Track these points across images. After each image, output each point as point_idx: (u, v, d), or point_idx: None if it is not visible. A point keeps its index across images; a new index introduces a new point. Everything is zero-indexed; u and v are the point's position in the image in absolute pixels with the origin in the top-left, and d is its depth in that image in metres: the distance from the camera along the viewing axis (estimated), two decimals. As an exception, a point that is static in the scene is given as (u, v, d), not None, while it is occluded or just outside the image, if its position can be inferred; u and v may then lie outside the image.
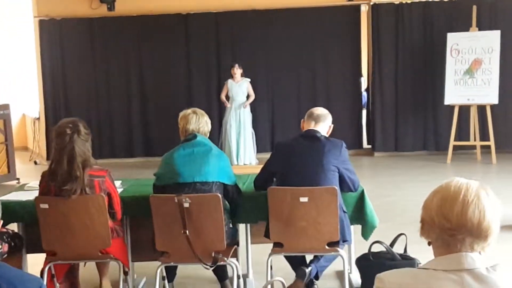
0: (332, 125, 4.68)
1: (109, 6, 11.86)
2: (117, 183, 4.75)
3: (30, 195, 4.52)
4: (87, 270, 4.85)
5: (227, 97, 10.41)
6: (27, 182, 5.37)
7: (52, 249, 4.26)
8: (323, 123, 4.56)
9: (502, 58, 10.44)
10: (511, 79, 10.27)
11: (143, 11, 11.80)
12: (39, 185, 4.28)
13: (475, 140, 10.78)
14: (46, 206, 4.13)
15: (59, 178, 4.08)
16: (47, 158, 11.81)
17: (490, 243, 1.93)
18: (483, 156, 10.72)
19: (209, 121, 4.56)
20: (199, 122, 4.47)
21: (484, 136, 10.79)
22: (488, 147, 10.53)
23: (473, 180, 1.98)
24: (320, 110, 4.65)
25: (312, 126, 4.54)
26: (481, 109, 10.72)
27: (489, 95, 10.44)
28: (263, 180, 4.56)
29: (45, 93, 12.16)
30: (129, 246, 4.72)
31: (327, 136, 4.55)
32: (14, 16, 13.88)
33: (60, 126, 4.20)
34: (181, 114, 4.56)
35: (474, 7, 10.66)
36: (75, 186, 4.06)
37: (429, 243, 2.01)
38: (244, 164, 10.15)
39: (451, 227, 1.90)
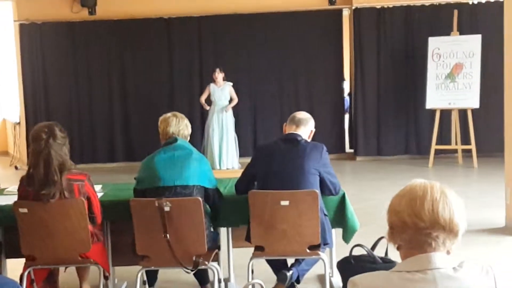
0: (314, 130, 4.67)
1: (90, 10, 11.81)
2: (98, 188, 4.72)
3: (9, 200, 4.47)
4: (67, 275, 4.81)
5: (210, 101, 10.38)
6: (7, 187, 5.32)
7: (32, 254, 4.22)
8: (304, 127, 4.55)
9: (483, 62, 10.51)
10: (492, 84, 10.32)
11: (125, 15, 11.75)
12: (18, 190, 4.24)
13: (456, 144, 10.83)
14: (25, 210, 4.10)
15: (36, 183, 4.05)
16: (28, 163, 11.72)
17: (458, 240, 1.99)
18: (464, 160, 10.78)
19: (189, 125, 4.55)
20: (179, 125, 4.46)
21: (465, 140, 10.85)
22: (470, 151, 10.59)
23: (432, 181, 2.04)
24: (302, 114, 4.65)
25: (293, 129, 4.54)
26: (463, 113, 10.78)
27: (470, 99, 10.50)
28: (244, 183, 4.56)
29: (26, 97, 12.07)
30: (110, 250, 4.69)
31: (308, 140, 4.55)
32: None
33: (36, 130, 4.18)
34: (161, 118, 4.56)
35: (455, 12, 10.73)
36: (53, 190, 4.03)
37: (398, 248, 2.03)
38: (227, 169, 10.12)
39: (425, 226, 1.94)
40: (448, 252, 1.99)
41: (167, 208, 4.05)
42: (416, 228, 1.95)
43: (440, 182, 2.03)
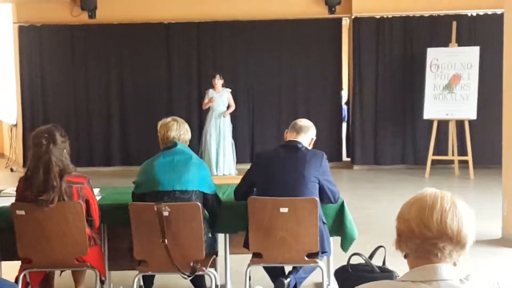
0: (315, 138, 4.66)
1: (90, 13, 11.82)
2: (96, 191, 4.70)
3: (6, 201, 4.45)
4: (62, 278, 4.78)
5: (208, 107, 10.38)
6: (3, 189, 5.29)
7: (28, 256, 4.20)
8: (305, 134, 4.54)
9: (481, 74, 10.53)
10: (490, 95, 10.34)
11: (125, 19, 11.75)
12: (16, 191, 4.22)
13: (453, 155, 10.84)
14: (22, 212, 4.07)
15: (34, 188, 4.03)
16: (24, 165, 11.68)
17: (466, 252, 1.96)
18: (461, 171, 10.78)
19: (189, 129, 4.54)
20: (180, 129, 4.45)
21: (462, 151, 10.86)
22: (466, 162, 10.60)
23: (444, 190, 2.01)
24: (303, 122, 4.63)
25: (293, 137, 4.52)
26: (460, 124, 10.80)
27: (468, 110, 10.52)
28: (243, 190, 4.55)
29: (23, 99, 12.05)
30: (106, 254, 4.67)
31: (308, 147, 4.54)
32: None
33: (36, 136, 4.15)
34: (160, 122, 4.53)
35: (454, 23, 10.76)
36: (53, 196, 4.00)
37: (405, 256, 2.01)
38: (224, 175, 10.12)
39: (433, 236, 1.92)
40: (454, 264, 1.96)
41: (165, 213, 4.03)
42: (423, 237, 1.93)
43: (451, 193, 2.00)
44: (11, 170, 12.06)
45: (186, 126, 4.52)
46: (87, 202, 4.17)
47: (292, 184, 4.30)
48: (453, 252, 1.94)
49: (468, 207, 1.99)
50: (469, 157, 10.52)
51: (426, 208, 1.94)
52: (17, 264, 4.35)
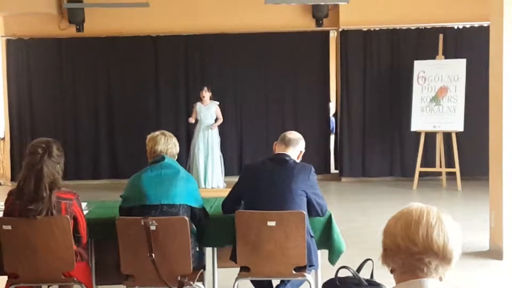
0: (304, 151, 4.66)
1: (78, 26, 11.82)
2: (83, 205, 4.68)
3: (-8, 216, 4.42)
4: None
5: (196, 120, 10.36)
6: (-10, 203, 5.26)
7: (14, 271, 4.17)
8: (293, 147, 4.53)
9: (467, 86, 10.60)
10: (476, 107, 10.40)
11: (113, 32, 11.76)
12: (5, 203, 4.20)
13: (440, 166, 10.90)
14: (9, 227, 4.05)
15: (25, 197, 4.02)
16: (12, 179, 11.64)
17: (452, 267, 1.96)
18: (448, 183, 10.83)
19: (177, 143, 4.53)
20: (167, 143, 4.44)
21: (449, 162, 10.92)
22: (454, 173, 10.65)
23: (430, 205, 2.01)
24: (292, 134, 4.61)
25: (282, 149, 4.51)
26: (447, 136, 10.86)
27: (455, 122, 10.58)
28: (231, 202, 4.53)
29: (11, 113, 12.03)
30: (93, 269, 4.64)
31: (296, 160, 4.54)
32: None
33: (33, 145, 4.17)
34: (149, 136, 4.53)
35: (441, 36, 10.84)
36: (41, 207, 3.99)
37: (391, 271, 2.01)
38: (212, 188, 10.11)
39: (419, 251, 1.92)
40: (440, 279, 1.96)
41: (153, 227, 4.02)
42: (409, 252, 1.93)
43: (437, 207, 2.01)
44: (-1, 183, 12.01)
45: (174, 140, 4.51)
46: (75, 219, 4.15)
47: (280, 197, 4.29)
48: (439, 267, 1.94)
49: (454, 222, 1.99)
50: (456, 169, 10.58)
51: (412, 223, 1.94)
52: (4, 279, 4.32)
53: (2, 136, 12.43)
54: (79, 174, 11.82)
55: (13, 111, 12.01)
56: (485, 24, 9.98)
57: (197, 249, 4.40)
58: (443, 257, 1.93)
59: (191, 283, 4.17)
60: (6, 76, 11.98)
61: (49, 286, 4.58)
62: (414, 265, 1.94)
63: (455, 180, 10.58)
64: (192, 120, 10.31)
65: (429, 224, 1.93)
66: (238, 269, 4.36)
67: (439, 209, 2.00)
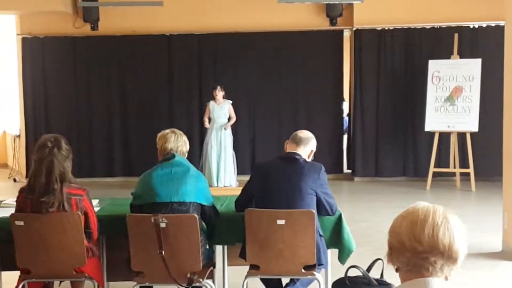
0: (315, 150, 4.65)
1: (92, 25, 11.87)
2: (94, 202, 4.72)
3: (6, 212, 4.46)
4: (61, 289, 4.79)
5: (209, 119, 10.39)
6: (4, 199, 5.31)
7: (26, 267, 4.21)
8: (304, 146, 4.52)
9: (482, 86, 10.53)
10: (491, 107, 10.33)
11: (127, 31, 11.81)
12: (16, 200, 4.24)
13: (454, 167, 10.84)
14: (21, 223, 4.09)
15: (37, 191, 4.06)
16: (27, 176, 11.72)
17: (458, 266, 1.95)
18: (462, 184, 10.76)
19: (187, 141, 4.56)
20: (177, 141, 4.47)
21: (463, 163, 10.85)
22: (468, 174, 10.58)
23: (437, 205, 2.01)
24: (304, 133, 4.61)
25: (293, 148, 4.51)
26: (461, 136, 10.80)
27: (469, 122, 10.51)
28: (243, 201, 4.55)
29: (26, 110, 12.11)
30: (105, 265, 4.69)
31: (307, 159, 4.54)
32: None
33: (42, 140, 4.23)
34: (159, 134, 4.56)
35: (456, 35, 10.78)
36: (53, 199, 4.04)
37: (396, 269, 2.01)
38: (225, 186, 10.12)
39: (424, 250, 1.92)
40: (446, 278, 1.95)
41: (163, 225, 4.04)
42: (414, 251, 1.93)
43: (444, 207, 2.00)
44: (14, 180, 12.11)
45: (184, 138, 4.54)
46: (85, 215, 4.19)
47: (289, 196, 4.30)
48: (444, 266, 1.93)
49: (460, 221, 1.98)
50: (470, 170, 10.51)
51: (417, 222, 1.94)
52: (17, 274, 4.36)
53: (18, 134, 12.54)
54: (93, 172, 11.89)
55: (28, 108, 12.09)
56: (502, 23, 9.86)
57: (207, 246, 4.42)
58: (449, 256, 1.92)
59: (201, 280, 4.20)
60: (22, 74, 12.07)
61: (60, 282, 4.62)
62: (419, 264, 1.93)
63: (469, 181, 10.51)
64: (207, 124, 10.31)
65: (435, 223, 1.93)
66: (248, 267, 4.37)
67: (446, 208, 2.00)
